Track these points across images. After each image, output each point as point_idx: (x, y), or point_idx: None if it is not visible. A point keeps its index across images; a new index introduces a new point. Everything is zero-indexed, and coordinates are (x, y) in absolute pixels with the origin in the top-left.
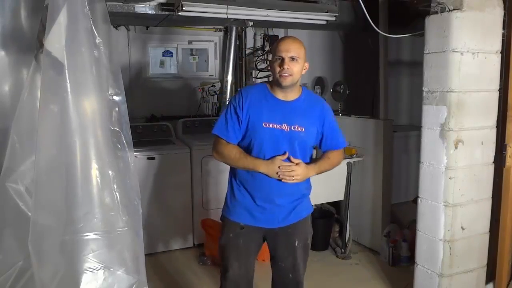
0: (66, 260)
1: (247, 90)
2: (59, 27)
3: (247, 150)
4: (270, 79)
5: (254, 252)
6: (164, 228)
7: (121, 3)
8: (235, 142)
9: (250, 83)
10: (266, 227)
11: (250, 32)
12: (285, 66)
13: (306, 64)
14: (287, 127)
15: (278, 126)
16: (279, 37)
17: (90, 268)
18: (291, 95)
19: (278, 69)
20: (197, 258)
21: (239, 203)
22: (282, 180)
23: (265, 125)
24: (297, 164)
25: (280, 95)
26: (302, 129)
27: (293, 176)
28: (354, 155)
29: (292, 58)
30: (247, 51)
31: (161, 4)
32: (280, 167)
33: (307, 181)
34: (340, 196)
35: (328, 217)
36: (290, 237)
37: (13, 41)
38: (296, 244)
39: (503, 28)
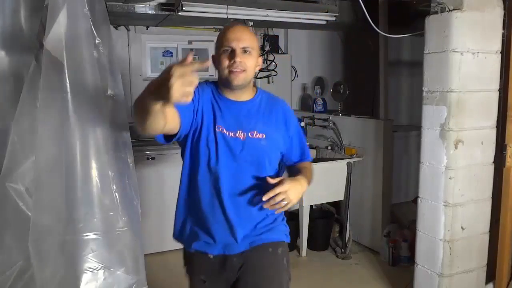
0: (66, 260)
1: (202, 84)
2: (59, 27)
3: (192, 173)
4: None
5: None
6: (163, 228)
7: (121, 3)
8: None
9: None
10: (226, 254)
11: None
12: (237, 59)
13: (260, 59)
14: (243, 135)
15: (231, 134)
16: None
17: (90, 268)
18: (244, 96)
19: (227, 62)
20: None
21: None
22: (272, 209)
23: (218, 128)
24: (279, 183)
25: (231, 95)
26: (262, 136)
27: (285, 202)
28: (354, 155)
29: (245, 50)
30: None
31: (161, 4)
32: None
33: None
34: (340, 196)
35: (328, 217)
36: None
37: (13, 41)
38: None
39: (503, 28)
